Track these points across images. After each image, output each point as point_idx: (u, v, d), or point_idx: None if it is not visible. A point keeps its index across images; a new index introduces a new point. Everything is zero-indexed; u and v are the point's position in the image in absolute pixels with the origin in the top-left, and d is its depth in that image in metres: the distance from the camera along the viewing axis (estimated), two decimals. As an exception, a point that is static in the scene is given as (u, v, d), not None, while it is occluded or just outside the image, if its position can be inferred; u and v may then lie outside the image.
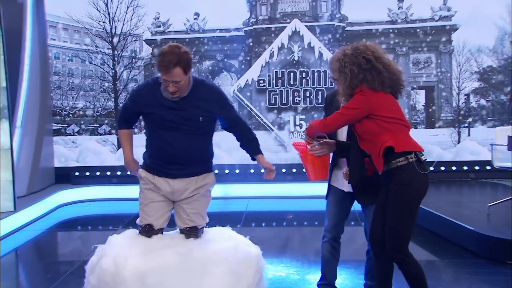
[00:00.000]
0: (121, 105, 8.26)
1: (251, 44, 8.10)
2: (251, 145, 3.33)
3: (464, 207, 5.94)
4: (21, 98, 7.29)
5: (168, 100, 3.04)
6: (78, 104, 8.44)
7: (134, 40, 8.27)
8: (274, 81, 8.01)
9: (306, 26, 7.96)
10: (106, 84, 8.31)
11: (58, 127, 8.32)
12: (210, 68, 8.26)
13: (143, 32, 8.20)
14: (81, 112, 8.44)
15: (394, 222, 2.94)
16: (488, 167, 7.25)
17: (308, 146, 3.24)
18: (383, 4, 7.90)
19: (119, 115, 3.38)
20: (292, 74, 7.98)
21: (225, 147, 7.42)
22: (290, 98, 7.99)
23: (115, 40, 8.14)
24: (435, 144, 7.95)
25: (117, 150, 8.08)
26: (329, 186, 3.52)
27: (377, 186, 3.11)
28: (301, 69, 7.96)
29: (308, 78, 7.95)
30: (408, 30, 7.92)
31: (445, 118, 8.07)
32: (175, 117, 3.03)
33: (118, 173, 7.95)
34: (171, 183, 3.13)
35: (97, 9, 8.05)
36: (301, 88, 7.96)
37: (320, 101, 7.91)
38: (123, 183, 7.77)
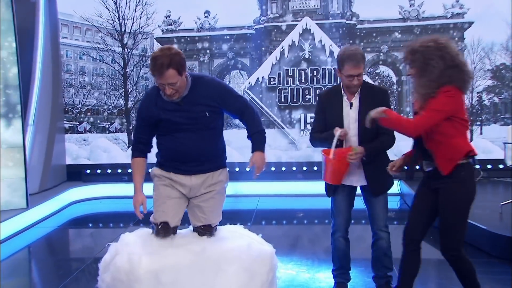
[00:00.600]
0: (130, 103, 8.30)
1: (261, 42, 8.10)
2: (253, 138, 3.21)
3: (476, 206, 5.81)
4: (34, 96, 7.35)
5: (170, 103, 3.03)
6: (89, 102, 8.48)
7: (144, 38, 8.30)
8: (284, 79, 8.00)
9: (317, 24, 7.94)
10: (117, 82, 8.35)
11: (69, 125, 8.38)
12: (221, 66, 8.26)
13: (153, 30, 8.22)
14: (92, 110, 8.49)
15: (451, 220, 2.99)
16: (501, 166, 7.18)
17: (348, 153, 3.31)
18: (395, 2, 7.85)
19: (134, 141, 3.29)
20: (302, 72, 7.96)
21: (236, 145, 7.42)
22: (301, 96, 7.98)
23: (125, 38, 8.18)
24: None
25: (128, 148, 8.12)
26: (335, 186, 3.56)
27: (386, 176, 3.38)
28: (312, 67, 7.94)
29: (318, 76, 7.93)
30: (420, 28, 7.86)
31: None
32: (181, 119, 3.03)
33: (129, 170, 7.95)
34: (188, 179, 3.13)
35: (107, 8, 8.09)
36: (311, 86, 7.95)
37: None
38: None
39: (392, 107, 3.57)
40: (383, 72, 8.01)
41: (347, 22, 7.91)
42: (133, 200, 3.19)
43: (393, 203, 6.99)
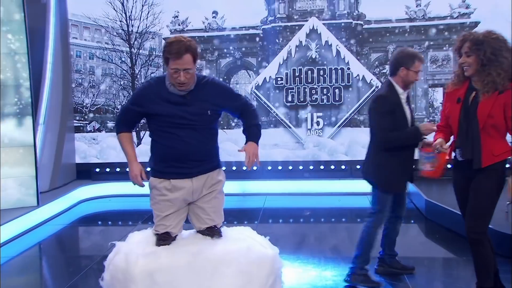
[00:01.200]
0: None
1: (269, 42, 8.13)
2: (249, 130, 3.19)
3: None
4: (44, 96, 7.43)
5: (175, 96, 3.00)
6: (98, 102, 8.55)
7: (152, 38, 8.36)
8: (291, 79, 8.04)
9: (323, 24, 7.97)
10: (125, 82, 8.42)
11: (79, 124, 8.46)
12: (229, 66, 8.32)
13: (159, 30, 8.27)
14: (101, 109, 8.56)
15: (482, 203, 3.20)
16: (507, 165, 7.17)
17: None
18: (401, 2, 7.86)
19: (118, 117, 3.26)
20: (309, 71, 8.00)
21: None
22: (308, 95, 8.02)
23: (132, 38, 8.25)
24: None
25: (136, 146, 8.17)
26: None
27: None
28: (319, 67, 7.98)
29: (325, 75, 7.97)
30: (426, 28, 7.87)
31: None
32: (184, 113, 2.99)
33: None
34: (189, 182, 3.08)
35: (114, 9, 8.16)
36: (318, 86, 7.99)
37: (337, 99, 7.92)
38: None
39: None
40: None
41: (354, 22, 7.94)
42: (131, 171, 3.14)
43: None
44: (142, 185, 3.15)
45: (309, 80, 8.00)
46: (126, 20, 8.20)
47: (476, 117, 3.16)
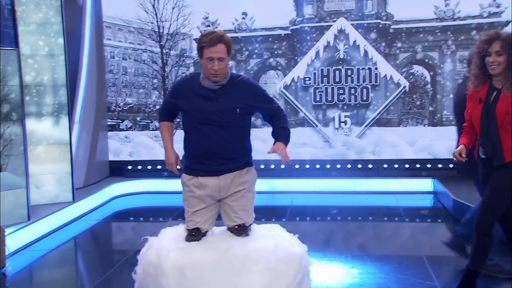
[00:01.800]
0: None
1: (297, 42, 8.21)
2: (277, 132, 3.18)
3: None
4: (79, 95, 7.60)
5: (206, 90, 3.04)
6: (131, 101, 8.74)
7: (182, 39, 8.52)
8: (319, 79, 8.10)
9: (351, 24, 7.99)
10: (157, 82, 8.60)
11: (112, 123, 8.62)
12: (257, 66, 8.41)
13: (189, 31, 8.42)
14: (134, 109, 8.74)
15: (496, 199, 3.30)
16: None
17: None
18: (430, 2, 7.82)
19: (161, 108, 3.40)
20: (337, 71, 8.05)
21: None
22: (335, 95, 8.07)
23: (163, 39, 8.42)
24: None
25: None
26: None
27: None
28: (346, 67, 8.02)
29: (353, 75, 8.00)
30: (456, 28, 7.82)
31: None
32: (212, 109, 3.02)
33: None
34: (216, 181, 3.12)
35: (145, 11, 8.35)
36: (346, 86, 8.03)
37: (365, 98, 7.96)
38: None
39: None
40: (417, 71, 8.02)
41: (382, 22, 7.95)
42: (167, 158, 3.25)
43: (426, 201, 7.03)
44: (177, 173, 3.25)
45: (337, 80, 8.05)
46: (157, 22, 8.39)
47: (495, 115, 3.25)
